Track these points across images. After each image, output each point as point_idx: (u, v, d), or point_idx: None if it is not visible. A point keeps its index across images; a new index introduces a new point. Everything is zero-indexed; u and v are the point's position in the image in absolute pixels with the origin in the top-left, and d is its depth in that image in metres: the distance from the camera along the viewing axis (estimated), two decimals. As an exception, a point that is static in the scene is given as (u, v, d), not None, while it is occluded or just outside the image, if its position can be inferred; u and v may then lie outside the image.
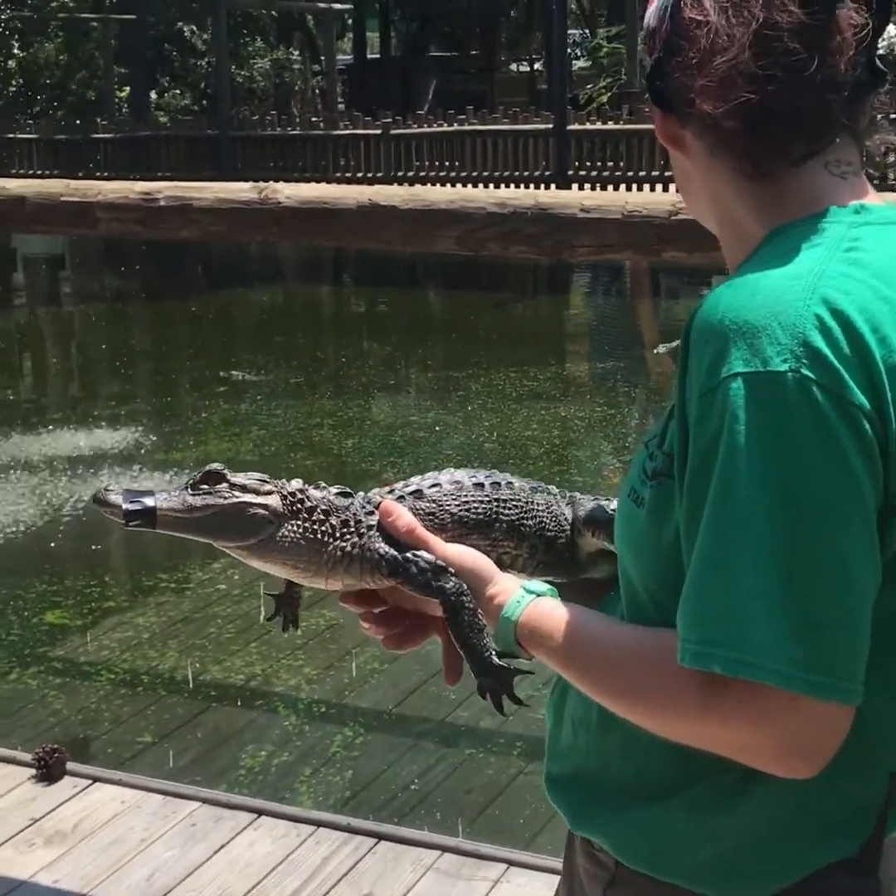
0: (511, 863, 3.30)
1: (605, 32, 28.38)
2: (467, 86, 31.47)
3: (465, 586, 1.33)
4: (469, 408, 10.17)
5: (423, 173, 19.41)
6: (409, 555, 1.36)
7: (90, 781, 3.76)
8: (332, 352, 13.41)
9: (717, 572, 1.05)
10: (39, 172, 20.54)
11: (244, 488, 1.36)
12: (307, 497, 1.38)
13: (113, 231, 3.29)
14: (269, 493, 1.36)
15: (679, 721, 1.12)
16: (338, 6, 26.48)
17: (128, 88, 25.40)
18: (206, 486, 1.36)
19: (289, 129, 21.31)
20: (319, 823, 3.55)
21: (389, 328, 15.01)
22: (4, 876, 3.30)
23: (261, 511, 1.35)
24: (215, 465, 1.38)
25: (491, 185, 18.00)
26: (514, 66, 36.90)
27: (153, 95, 25.48)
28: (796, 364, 1.04)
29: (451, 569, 1.35)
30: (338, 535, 1.38)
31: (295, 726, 4.95)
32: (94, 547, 7.17)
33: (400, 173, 19.47)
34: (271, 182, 3.48)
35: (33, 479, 8.27)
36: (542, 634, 1.26)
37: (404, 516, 1.39)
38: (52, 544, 7.16)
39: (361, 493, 1.44)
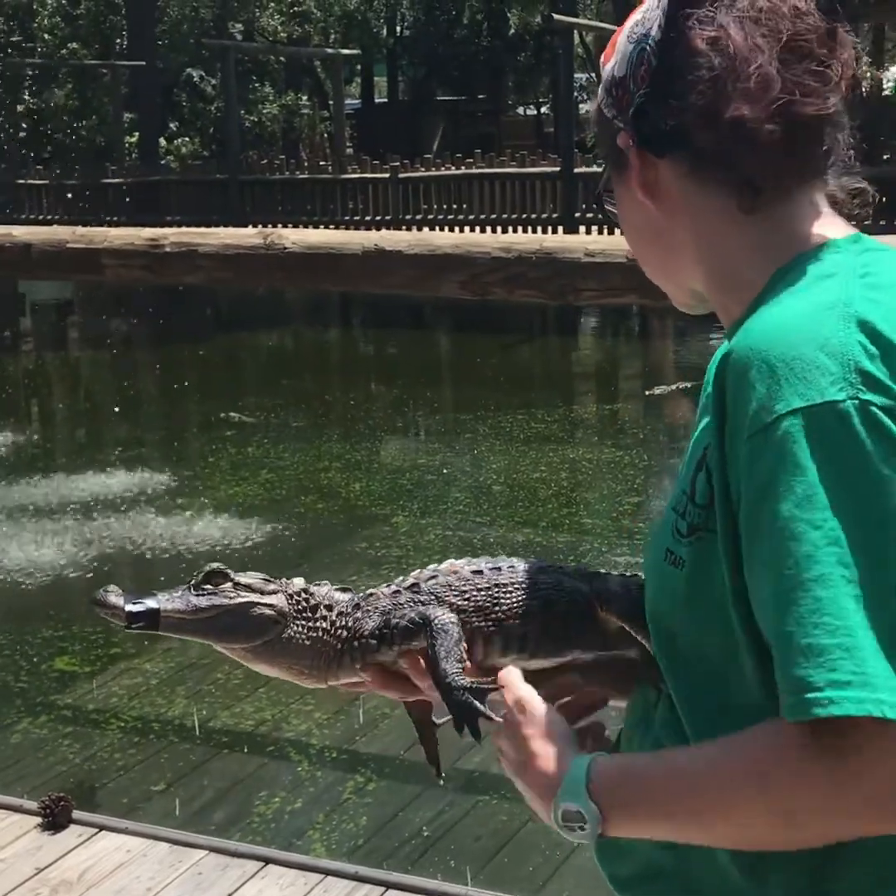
0: (520, 912, 3.26)
1: (611, 76, 28.54)
2: (474, 129, 31.71)
3: (453, 619, 1.31)
4: (477, 450, 10.16)
5: (430, 216, 19.51)
6: (395, 614, 1.34)
7: (96, 830, 3.74)
8: (340, 394, 13.44)
9: (812, 616, 0.99)
10: (48, 218, 20.70)
11: (249, 588, 1.33)
12: (311, 595, 1.36)
13: (119, 277, 3.31)
14: (274, 592, 1.34)
15: (809, 800, 1.01)
16: (345, 51, 26.72)
17: (137, 134, 25.61)
18: (209, 586, 1.33)
19: (297, 173, 21.45)
20: (327, 872, 3.51)
21: (397, 370, 15.04)
22: (9, 927, 3.27)
23: (267, 611, 1.32)
24: (216, 565, 1.35)
25: (499, 228, 18.09)
26: (520, 110, 37.17)
27: (162, 141, 25.68)
28: (853, 391, 1.03)
29: (434, 611, 1.34)
30: (335, 629, 1.36)
31: (304, 772, 4.91)
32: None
33: (408, 216, 19.58)
34: (277, 227, 3.49)
35: (40, 524, 8.27)
36: (625, 780, 1.14)
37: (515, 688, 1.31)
38: (59, 590, 7.15)
39: (360, 594, 1.42)
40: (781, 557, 1.01)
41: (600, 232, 15.87)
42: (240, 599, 1.31)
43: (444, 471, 9.65)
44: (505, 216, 19.09)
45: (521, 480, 9.17)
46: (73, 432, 12.11)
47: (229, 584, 1.33)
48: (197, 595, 1.32)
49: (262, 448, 10.41)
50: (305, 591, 1.36)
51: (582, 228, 17.39)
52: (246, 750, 5.14)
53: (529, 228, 18.38)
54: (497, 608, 1.37)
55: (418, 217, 19.47)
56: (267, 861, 3.56)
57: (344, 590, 1.40)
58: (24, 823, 3.76)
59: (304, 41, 29.08)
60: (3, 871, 3.51)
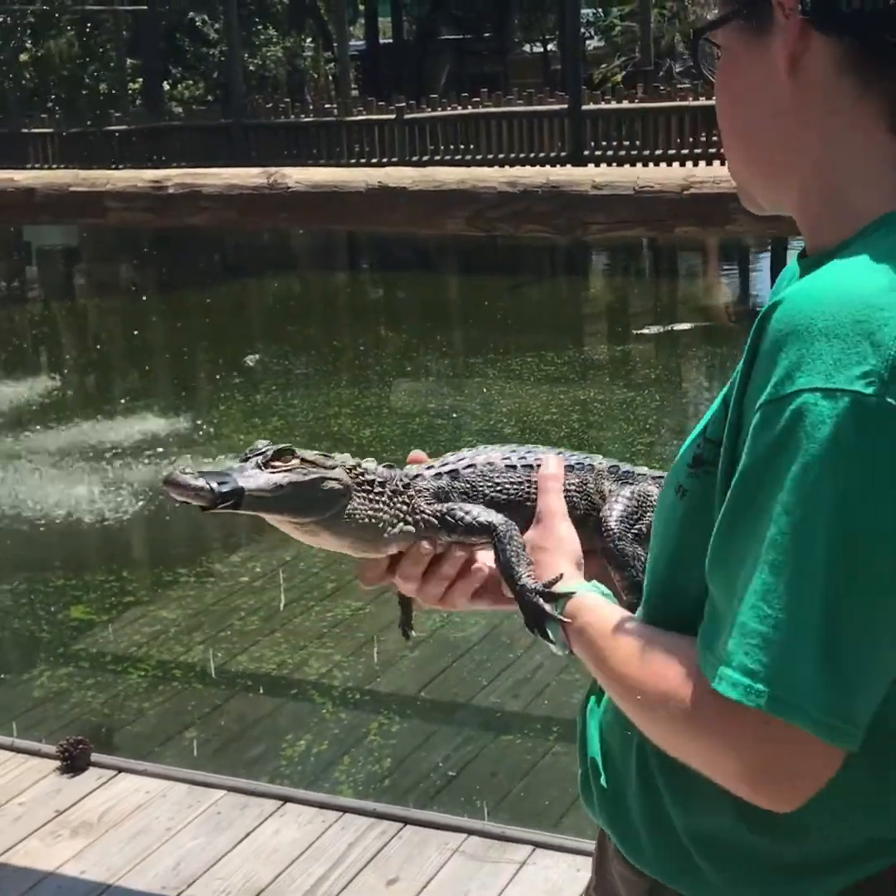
0: (537, 845, 3.29)
1: (619, 11, 28.21)
2: (481, 68, 31.34)
3: (513, 525, 1.38)
4: (487, 393, 10.14)
5: (437, 157, 19.34)
6: (455, 506, 1.41)
7: (115, 772, 3.77)
8: (348, 339, 13.40)
9: (765, 601, 0.97)
10: (53, 166, 20.57)
11: (314, 464, 1.36)
12: (365, 470, 1.41)
13: (123, 220, 3.27)
14: (334, 467, 1.38)
15: (685, 734, 1.05)
16: (348, -8, 26.40)
17: (140, 80, 25.39)
18: (279, 463, 1.34)
19: (302, 116, 21.26)
20: (345, 809, 3.54)
21: (405, 314, 14.99)
22: (31, 867, 3.31)
23: (335, 484, 1.36)
24: (285, 445, 1.37)
25: (506, 167, 17.91)
26: (527, 48, 36.73)
27: (166, 86, 25.46)
28: (883, 390, 0.94)
29: (490, 513, 1.41)
30: (393, 504, 1.41)
31: (322, 713, 4.95)
32: (111, 541, 7.19)
33: (415, 158, 19.41)
34: (282, 167, 3.45)
35: (50, 472, 8.29)
36: (586, 613, 1.22)
37: (557, 484, 1.43)
38: (70, 539, 7.18)
39: (404, 472, 1.48)
40: (752, 530, 0.99)
41: (610, 166, 15.74)
42: (312, 475, 1.34)
43: (455, 415, 9.64)
44: (513, 155, 18.90)
45: (532, 423, 9.15)
46: (82, 380, 12.10)
47: (297, 460, 1.35)
48: (272, 472, 1.33)
49: (270, 395, 10.40)
50: (359, 465, 1.41)
51: (591, 166, 17.23)
52: (262, 691, 5.18)
53: (538, 166, 18.22)
54: (527, 504, 1.44)
55: (425, 158, 19.30)
56: (285, 800, 3.59)
57: (389, 467, 1.45)
58: (42, 767, 3.79)
59: (307, -18, 28.73)
60: (23, 814, 3.55)
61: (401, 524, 1.41)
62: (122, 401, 10.43)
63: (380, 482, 1.41)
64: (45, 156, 22.12)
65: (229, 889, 3.21)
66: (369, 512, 1.39)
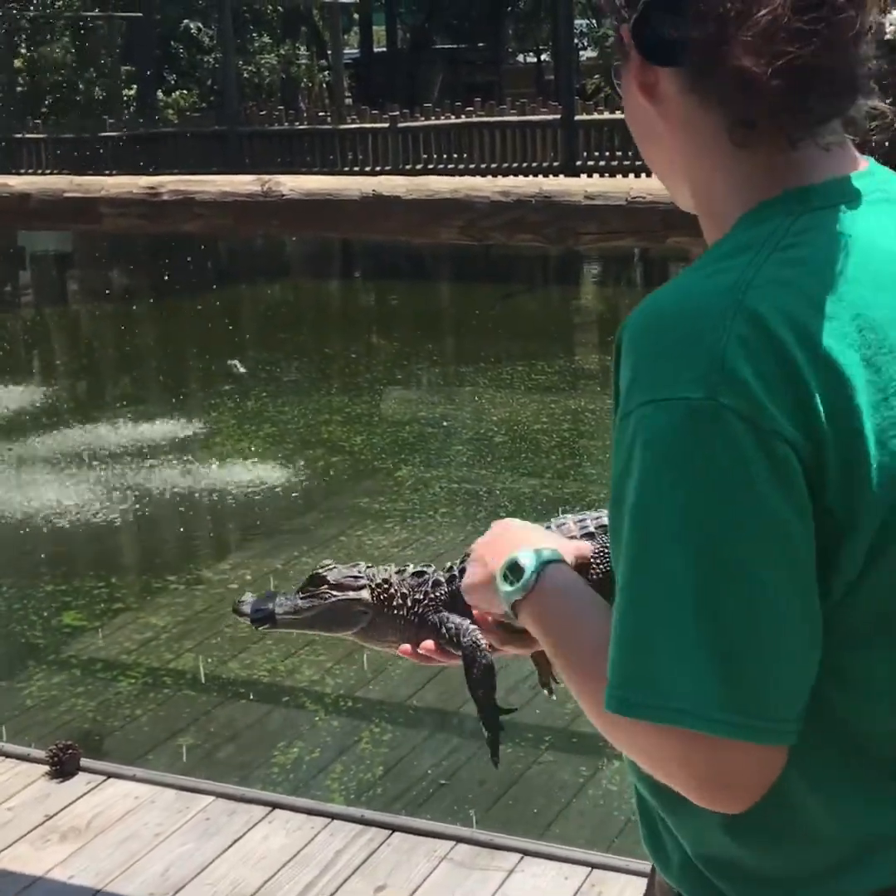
0: (525, 852, 3.29)
1: (612, 22, 28.25)
2: (474, 77, 31.41)
3: (482, 645, 1.49)
4: (478, 402, 10.15)
5: (430, 166, 19.40)
6: (444, 619, 1.54)
7: (104, 777, 3.77)
8: (340, 347, 13.41)
9: (630, 613, 1.00)
10: (47, 172, 20.57)
11: (341, 587, 1.55)
12: (390, 585, 1.57)
13: (117, 226, 3.28)
14: (362, 587, 1.56)
15: (611, 734, 1.08)
16: (343, 0, 26.46)
17: (135, 86, 25.42)
18: (311, 588, 1.56)
19: (296, 123, 21.33)
20: (333, 816, 3.55)
21: (397, 322, 15.01)
22: (20, 872, 3.31)
23: (356, 606, 1.55)
24: (318, 570, 1.58)
25: (499, 177, 17.94)
26: (520, 57, 36.82)
27: (160, 93, 25.49)
28: (712, 391, 0.96)
29: (473, 633, 1.50)
30: (408, 615, 1.58)
31: (311, 719, 4.96)
32: (100, 548, 7.19)
33: (408, 166, 19.46)
34: (276, 175, 3.47)
35: (40, 477, 8.29)
36: (556, 598, 1.20)
37: None
38: (61, 544, 7.18)
39: (425, 580, 1.62)
40: (619, 545, 1.02)
41: (602, 176, 15.78)
42: (332, 599, 1.55)
43: (445, 423, 9.65)
44: (506, 165, 18.98)
45: (523, 432, 9.17)
46: (74, 386, 12.10)
47: (326, 586, 1.56)
48: (302, 598, 1.56)
49: (260, 401, 10.40)
50: (386, 581, 1.57)
51: (584, 176, 17.29)
52: (252, 698, 5.18)
53: (531, 176, 18.27)
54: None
55: (418, 167, 19.35)
56: (273, 806, 3.60)
57: (418, 573, 1.60)
58: (31, 772, 3.79)
59: (302, -10, 28.77)
60: (12, 819, 3.55)
61: (413, 628, 1.58)
62: (115, 406, 10.43)
63: (402, 594, 1.57)
64: (40, 161, 22.14)
65: (217, 895, 3.21)
66: (389, 625, 1.57)
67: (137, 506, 7.69)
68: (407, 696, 5.08)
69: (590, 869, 3.21)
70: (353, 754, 4.67)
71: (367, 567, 1.60)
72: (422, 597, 1.57)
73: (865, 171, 1.10)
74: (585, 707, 1.11)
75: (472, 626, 1.48)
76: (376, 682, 5.22)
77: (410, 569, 1.60)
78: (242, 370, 11.44)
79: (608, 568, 1.37)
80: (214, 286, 16.94)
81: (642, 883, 3.16)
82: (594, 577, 1.34)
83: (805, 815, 1.06)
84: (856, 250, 1.03)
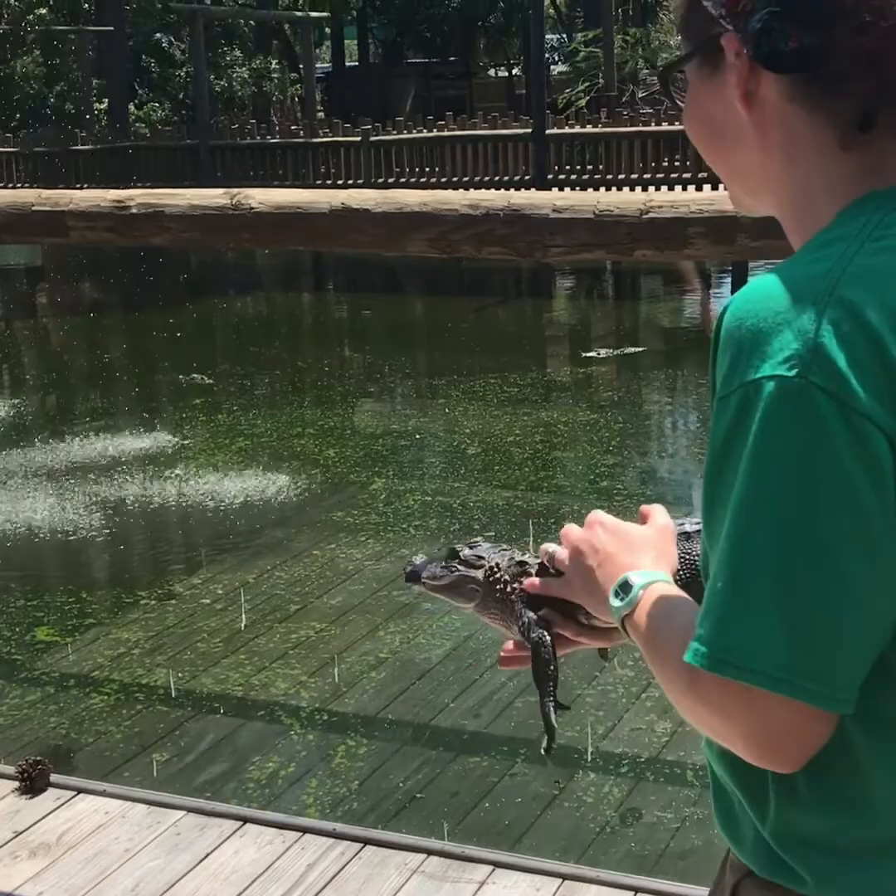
0: (497, 864, 3.29)
1: (583, 37, 28.45)
2: (446, 91, 31.49)
3: (547, 642, 1.55)
4: (450, 414, 10.16)
5: (403, 179, 19.43)
6: (522, 611, 1.60)
7: (74, 793, 3.75)
8: (313, 360, 13.40)
9: (719, 577, 1.07)
10: (19, 186, 20.49)
11: (466, 563, 1.65)
12: (500, 569, 1.64)
13: (85, 239, 3.28)
14: (480, 567, 1.64)
15: (686, 704, 1.14)
16: (315, 14, 26.49)
17: (106, 100, 25.36)
18: (449, 561, 1.66)
19: (268, 137, 21.32)
20: (305, 829, 3.54)
21: (370, 335, 15.01)
22: (-12, 889, 3.29)
23: (472, 584, 1.63)
24: (457, 544, 1.67)
25: (470, 190, 18.01)
26: (492, 72, 36.95)
27: (132, 106, 25.43)
28: (804, 370, 1.02)
29: (540, 624, 1.55)
30: (507, 599, 1.63)
31: (282, 733, 4.94)
32: (71, 563, 7.15)
33: (380, 180, 19.49)
34: (245, 188, 3.47)
35: (11, 492, 8.24)
36: (649, 604, 1.27)
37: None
38: (31, 559, 7.13)
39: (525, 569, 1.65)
40: (715, 516, 1.09)
41: (573, 189, 15.87)
42: (456, 574, 1.64)
43: (418, 436, 9.65)
44: (477, 178, 19.03)
45: (496, 444, 9.18)
46: (43, 400, 12.04)
47: (456, 560, 1.65)
48: (439, 567, 1.66)
49: (232, 415, 10.38)
50: (498, 565, 1.63)
51: (555, 190, 17.36)
52: (224, 712, 5.16)
53: (502, 190, 18.33)
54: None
55: (390, 180, 19.38)
56: (245, 820, 3.58)
57: (521, 563, 1.63)
58: (1, 788, 3.77)
59: (273, 4, 28.80)
60: (-18, 835, 3.53)
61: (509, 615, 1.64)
62: (85, 420, 10.39)
63: (505, 580, 1.63)
64: (10, 175, 22.05)
65: (188, 910, 3.20)
66: (494, 604, 1.63)
67: (109, 520, 7.65)
68: (380, 708, 5.07)
69: (561, 880, 3.21)
70: (325, 767, 4.65)
71: (500, 549, 1.68)
72: (518, 586, 1.64)
73: None
74: (673, 698, 1.17)
75: (540, 623, 1.57)
76: (350, 694, 5.21)
77: (517, 556, 1.67)
78: (207, 380, 11.41)
79: (690, 574, 1.46)
80: (186, 299, 16.91)
81: (613, 893, 3.17)
82: (677, 580, 1.42)
83: (876, 786, 1.10)
84: None
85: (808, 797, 1.12)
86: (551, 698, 1.54)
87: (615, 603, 1.30)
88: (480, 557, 1.65)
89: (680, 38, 1.28)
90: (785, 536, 1.03)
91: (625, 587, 1.30)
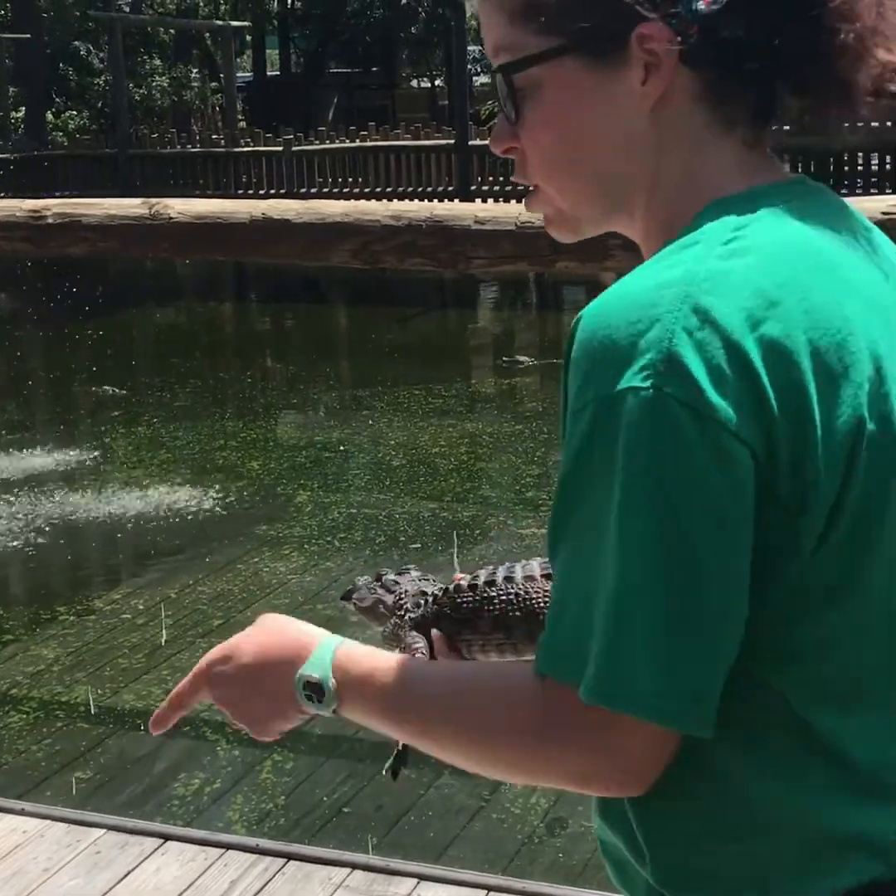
0: (421, 877, 3.28)
1: (504, 49, 28.55)
2: (368, 102, 31.50)
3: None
4: (375, 426, 10.14)
5: (325, 190, 19.39)
6: (406, 636, 1.58)
7: (-10, 813, 3.67)
8: (235, 371, 13.29)
9: (580, 601, 1.01)
10: (-67, 194, 20.13)
11: (385, 587, 1.64)
12: (406, 596, 1.62)
13: (0, 250, 3.23)
14: (394, 592, 1.63)
15: (519, 750, 1.07)
16: (235, 23, 26.36)
17: (23, 108, 25.01)
18: (372, 583, 1.65)
19: (189, 146, 21.16)
20: (228, 846, 3.50)
21: (292, 346, 14.94)
22: None
23: (383, 608, 1.62)
24: (384, 570, 1.66)
25: (394, 200, 18.01)
26: (415, 82, 37.03)
27: (50, 115, 25.11)
28: (659, 381, 0.96)
29: (422, 653, 1.51)
30: (403, 624, 1.61)
31: (204, 749, 4.88)
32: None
33: (302, 190, 19.43)
34: (164, 198, 3.44)
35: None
36: (370, 675, 1.15)
37: None
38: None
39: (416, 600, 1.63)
40: (563, 535, 1.04)
41: (496, 201, 15.93)
42: (374, 596, 1.63)
43: (342, 447, 9.61)
44: (400, 189, 19.03)
45: (421, 455, 9.17)
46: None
47: (378, 583, 1.64)
48: (367, 588, 1.64)
49: (153, 427, 10.27)
50: (406, 592, 1.62)
51: (478, 201, 17.42)
52: (145, 728, 5.08)
53: (425, 201, 18.37)
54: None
55: (312, 191, 19.33)
56: (166, 837, 3.54)
57: (423, 593, 1.61)
58: (-85, 810, 3.69)
59: (194, 13, 28.62)
60: None
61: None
62: (0, 433, 10.21)
63: (406, 608, 1.62)
64: (-76, 184, 21.65)
65: (109, 930, 3.15)
66: (391, 631, 1.62)
67: (26, 535, 7.52)
68: (306, 721, 5.03)
69: (487, 892, 3.20)
70: (247, 783, 4.61)
71: (423, 578, 1.65)
72: (408, 615, 1.62)
73: (796, 178, 1.14)
74: (494, 758, 1.11)
75: (422, 652, 1.53)
76: (273, 708, 5.16)
77: (427, 588, 1.64)
78: (126, 393, 11.28)
79: (521, 609, 1.45)
80: (105, 310, 16.70)
81: (538, 904, 3.16)
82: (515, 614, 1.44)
83: (759, 810, 1.05)
84: (796, 240, 1.05)
85: (695, 826, 1.07)
86: None
87: (317, 709, 1.18)
88: (396, 583, 1.63)
89: (530, 25, 1.08)
90: (648, 557, 0.97)
91: (308, 686, 1.17)
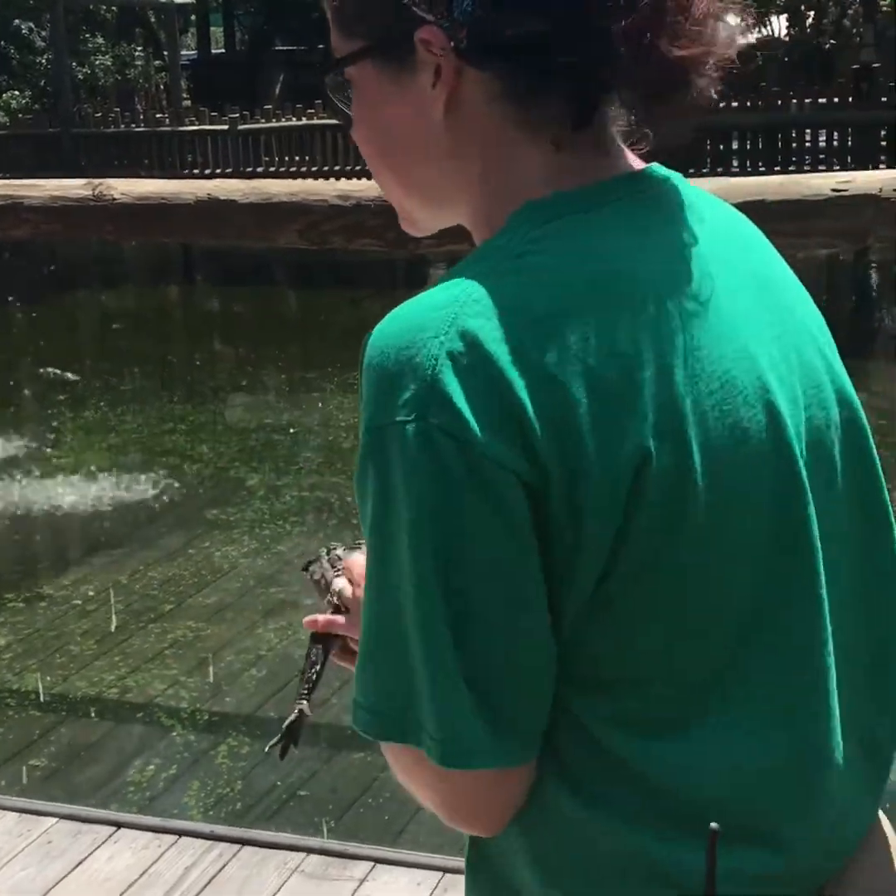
0: (377, 860, 3.28)
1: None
2: (315, 79, 31.24)
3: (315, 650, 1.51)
4: (325, 408, 10.09)
5: (272, 168, 19.24)
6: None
7: (-61, 805, 3.63)
8: (183, 354, 13.18)
9: (367, 636, 1.00)
10: None
11: (331, 563, 1.57)
12: (326, 572, 1.59)
13: (-60, 232, 3.17)
14: (335, 568, 1.57)
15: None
16: (179, 0, 26.06)
17: (-37, 88, 24.63)
18: (324, 558, 1.59)
19: (133, 125, 20.92)
20: (181, 832, 3.48)
21: (241, 328, 14.83)
22: None
23: (322, 582, 1.55)
24: (334, 545, 1.59)
25: (342, 180, 17.89)
26: (361, 61, 36.78)
27: (-9, 94, 24.73)
28: (422, 411, 0.92)
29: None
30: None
31: (158, 735, 4.85)
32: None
33: (248, 169, 19.26)
34: (107, 179, 3.39)
35: None
36: None
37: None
38: None
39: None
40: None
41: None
42: (320, 572, 1.56)
43: (292, 430, 9.56)
44: (348, 167, 18.92)
45: (372, 436, 9.12)
46: None
47: (327, 558, 1.57)
48: (318, 564, 1.58)
49: (100, 411, 10.16)
50: (327, 572, 1.60)
51: (426, 180, 17.35)
52: (99, 715, 5.05)
53: (372, 181, 18.25)
54: None
55: (259, 169, 19.17)
56: (119, 825, 3.51)
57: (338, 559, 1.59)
58: None
59: (137, -10, 28.23)
60: None
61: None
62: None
63: (328, 581, 1.59)
64: None
65: (62, 921, 3.12)
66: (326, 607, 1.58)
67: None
68: (260, 704, 5.02)
69: (442, 874, 3.21)
70: (202, 767, 4.58)
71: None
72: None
73: (627, 175, 1.05)
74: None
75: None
76: (230, 693, 5.14)
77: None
78: (73, 376, 11.15)
79: None
80: (50, 293, 16.52)
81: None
82: None
83: (577, 833, 1.02)
84: (591, 256, 0.98)
85: (527, 858, 1.04)
86: (304, 701, 1.50)
87: None
88: (340, 559, 1.58)
89: (342, 29, 1.07)
90: (431, 608, 0.93)
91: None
